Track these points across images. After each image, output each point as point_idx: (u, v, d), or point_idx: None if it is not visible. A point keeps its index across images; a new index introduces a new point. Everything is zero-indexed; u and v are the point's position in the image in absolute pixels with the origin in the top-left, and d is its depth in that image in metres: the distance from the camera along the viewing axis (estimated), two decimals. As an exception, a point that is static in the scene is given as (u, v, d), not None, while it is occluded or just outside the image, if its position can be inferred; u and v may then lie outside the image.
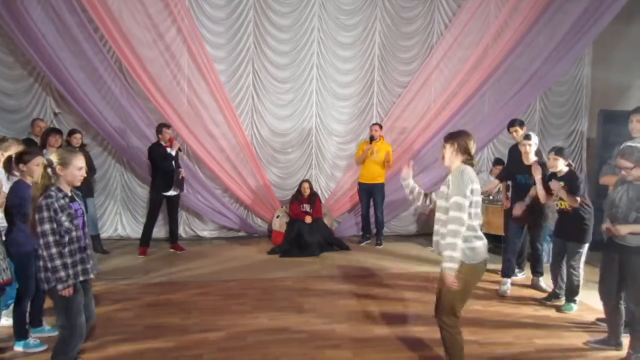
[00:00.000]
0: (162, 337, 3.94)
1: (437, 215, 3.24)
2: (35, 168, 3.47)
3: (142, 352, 3.68)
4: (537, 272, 5.43)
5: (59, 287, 2.92)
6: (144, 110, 6.89)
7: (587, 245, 4.62)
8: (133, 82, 6.81)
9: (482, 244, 3.17)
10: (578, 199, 4.47)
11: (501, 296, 5.15)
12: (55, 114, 6.35)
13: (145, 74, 6.73)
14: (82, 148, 6.01)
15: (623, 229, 3.57)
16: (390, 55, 7.78)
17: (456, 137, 3.20)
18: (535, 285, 5.42)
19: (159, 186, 6.37)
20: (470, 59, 7.51)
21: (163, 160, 6.26)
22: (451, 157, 3.20)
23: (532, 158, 5.05)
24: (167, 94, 6.90)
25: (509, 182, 5.66)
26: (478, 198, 3.12)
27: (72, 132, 6.05)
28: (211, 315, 4.43)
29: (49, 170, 2.97)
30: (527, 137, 5.11)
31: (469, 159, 3.18)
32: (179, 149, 6.46)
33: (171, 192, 6.42)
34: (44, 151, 5.19)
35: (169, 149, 6.30)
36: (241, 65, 7.35)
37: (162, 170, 6.31)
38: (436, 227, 3.26)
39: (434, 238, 3.29)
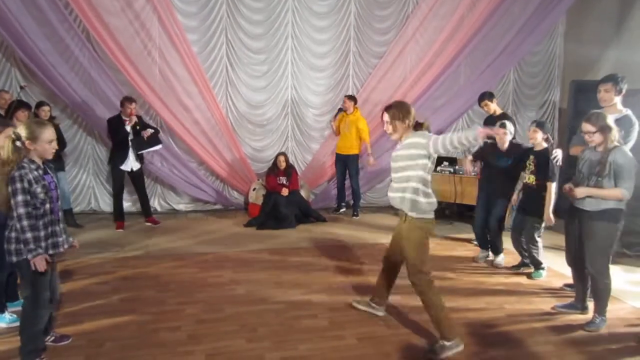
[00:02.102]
0: (139, 310, 3.93)
1: (394, 175, 3.37)
2: (7, 140, 3.37)
3: (119, 325, 3.67)
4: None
5: (29, 256, 2.88)
6: (115, 82, 6.70)
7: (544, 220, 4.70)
8: (102, 53, 6.60)
9: (434, 200, 3.34)
10: (553, 187, 4.49)
11: (476, 262, 5.33)
12: (22, 87, 6.12)
13: (114, 44, 6.51)
14: (51, 121, 5.82)
15: (580, 192, 3.65)
16: (366, 25, 7.69)
17: (404, 114, 3.28)
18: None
19: (115, 160, 6.29)
20: (446, 29, 7.48)
21: (116, 134, 6.18)
22: (403, 131, 3.32)
23: (506, 146, 4.94)
24: (138, 65, 6.71)
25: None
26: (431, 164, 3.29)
27: (39, 105, 5.86)
28: (188, 288, 4.43)
29: (17, 144, 2.89)
30: (502, 125, 4.96)
31: (415, 124, 3.32)
32: (137, 123, 6.23)
33: (130, 167, 6.32)
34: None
35: (127, 125, 6.19)
36: (214, 35, 7.17)
37: (116, 143, 6.25)
38: (396, 185, 3.36)
39: (393, 195, 3.41)
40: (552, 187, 4.52)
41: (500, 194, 5.08)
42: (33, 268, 2.91)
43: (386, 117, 3.34)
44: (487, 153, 5.21)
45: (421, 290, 3.36)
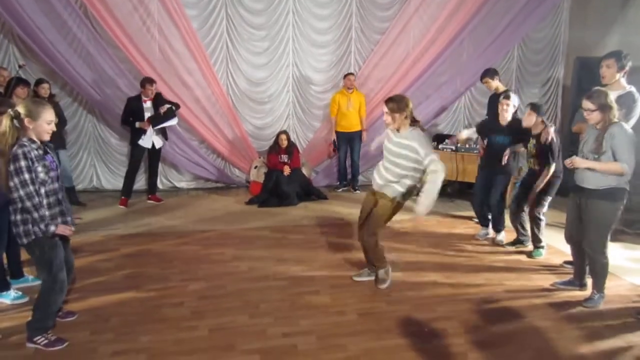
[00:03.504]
0: (142, 287, 3.98)
1: (392, 158, 3.84)
2: (5, 118, 3.35)
3: (123, 302, 3.72)
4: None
5: (52, 229, 2.87)
6: (114, 59, 6.64)
7: (550, 198, 4.70)
8: (101, 29, 6.51)
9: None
10: (551, 169, 4.47)
11: (476, 239, 5.36)
12: (20, 66, 6.07)
13: (112, 20, 6.43)
14: (51, 99, 5.80)
15: (579, 161, 3.62)
16: (368, 1, 7.57)
17: (402, 107, 3.68)
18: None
19: (136, 138, 6.29)
20: (449, 5, 7.35)
21: (132, 114, 6.21)
22: (400, 122, 3.74)
23: (508, 119, 4.88)
24: (137, 42, 6.64)
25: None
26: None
27: (39, 82, 5.80)
28: (191, 265, 4.48)
29: (15, 122, 2.83)
30: (506, 96, 4.89)
31: (414, 121, 3.77)
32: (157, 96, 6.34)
33: (150, 143, 6.34)
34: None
35: (145, 104, 6.21)
36: (214, 10, 7.07)
37: (127, 122, 6.30)
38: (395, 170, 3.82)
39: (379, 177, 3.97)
40: (551, 167, 4.48)
41: (500, 171, 5.03)
42: (64, 233, 2.97)
43: (386, 108, 3.74)
44: (487, 128, 5.18)
45: (375, 242, 3.92)
